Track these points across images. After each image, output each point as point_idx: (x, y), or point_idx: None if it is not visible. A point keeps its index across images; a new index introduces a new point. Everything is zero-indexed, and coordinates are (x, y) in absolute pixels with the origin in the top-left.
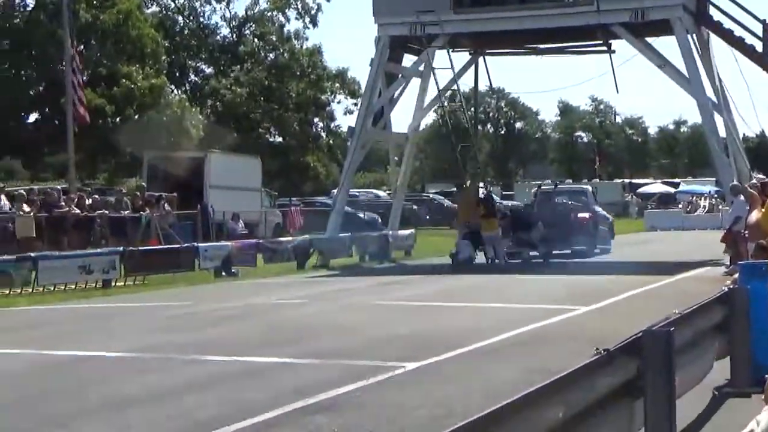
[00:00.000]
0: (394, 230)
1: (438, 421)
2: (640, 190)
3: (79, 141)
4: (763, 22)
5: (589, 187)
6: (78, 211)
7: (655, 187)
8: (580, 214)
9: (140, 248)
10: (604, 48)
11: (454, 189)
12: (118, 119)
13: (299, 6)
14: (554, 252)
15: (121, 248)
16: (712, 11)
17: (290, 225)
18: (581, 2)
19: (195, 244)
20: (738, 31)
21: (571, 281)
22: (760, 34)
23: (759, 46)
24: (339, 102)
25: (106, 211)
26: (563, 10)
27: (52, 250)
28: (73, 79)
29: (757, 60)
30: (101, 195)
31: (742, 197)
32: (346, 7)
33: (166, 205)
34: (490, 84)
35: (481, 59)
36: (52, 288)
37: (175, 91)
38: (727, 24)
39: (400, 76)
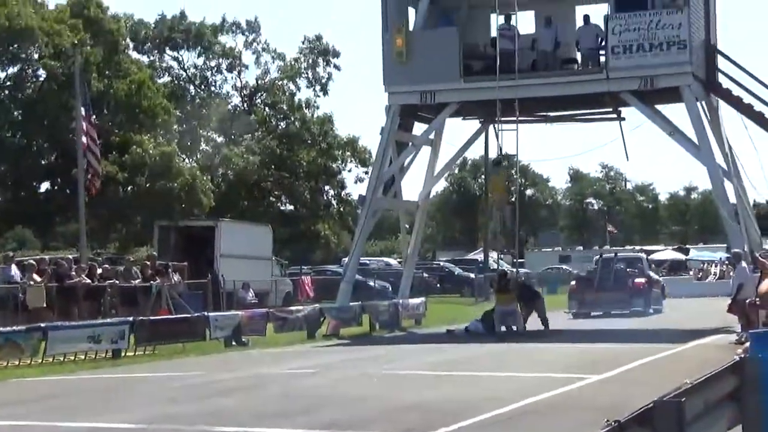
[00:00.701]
0: (404, 298)
1: None
2: (651, 257)
3: (90, 210)
4: None
5: (644, 255)
6: (89, 281)
7: (666, 253)
8: (637, 280)
9: (150, 318)
10: (614, 115)
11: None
12: (129, 188)
13: (310, 75)
14: (613, 312)
15: (132, 318)
16: (721, 78)
17: (301, 293)
18: (590, 70)
19: (205, 313)
20: (747, 98)
21: (583, 349)
22: None
23: None
24: (350, 170)
25: (117, 281)
26: (572, 78)
27: (63, 320)
28: (89, 151)
29: (766, 126)
30: (112, 264)
31: (744, 264)
32: (356, 75)
33: (176, 274)
34: (500, 151)
35: (491, 127)
36: (62, 358)
37: (187, 159)
38: (736, 91)
39: (410, 144)
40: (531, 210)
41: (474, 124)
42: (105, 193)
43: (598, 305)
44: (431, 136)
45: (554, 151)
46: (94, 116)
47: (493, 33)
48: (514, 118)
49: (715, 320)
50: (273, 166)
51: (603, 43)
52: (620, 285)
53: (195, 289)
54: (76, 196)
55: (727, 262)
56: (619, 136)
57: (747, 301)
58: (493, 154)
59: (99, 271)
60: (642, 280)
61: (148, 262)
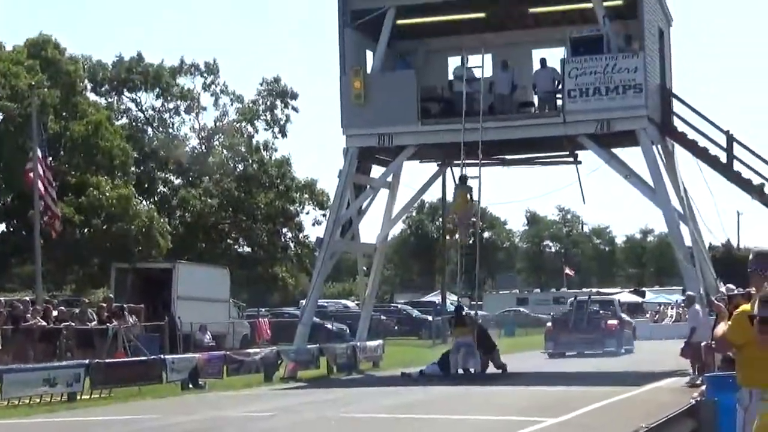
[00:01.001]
0: (362, 341)
1: None
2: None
3: (46, 251)
4: (726, 132)
5: (617, 298)
6: (44, 323)
7: (623, 296)
8: (610, 321)
9: (106, 361)
10: (571, 159)
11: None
12: (86, 230)
13: (268, 117)
14: (587, 352)
15: (87, 361)
16: (677, 122)
17: (258, 336)
18: (547, 114)
19: (162, 356)
20: (702, 142)
21: (541, 392)
22: (724, 145)
23: (723, 157)
24: (308, 213)
25: (73, 323)
26: (529, 122)
27: (18, 363)
28: (45, 193)
29: (721, 170)
30: (68, 306)
31: (697, 307)
32: (314, 118)
33: (132, 316)
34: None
35: (448, 170)
36: (16, 402)
37: (144, 201)
38: (692, 135)
39: (368, 187)
40: (488, 252)
41: (432, 167)
42: (62, 235)
43: (573, 345)
44: (389, 179)
45: (511, 193)
46: (50, 158)
47: (451, 76)
48: (475, 161)
49: (672, 363)
50: (231, 209)
51: (560, 87)
52: (594, 326)
53: (152, 332)
54: (32, 237)
55: (683, 304)
56: (575, 179)
57: (703, 344)
58: (450, 195)
59: (55, 313)
60: (614, 321)
61: (105, 304)
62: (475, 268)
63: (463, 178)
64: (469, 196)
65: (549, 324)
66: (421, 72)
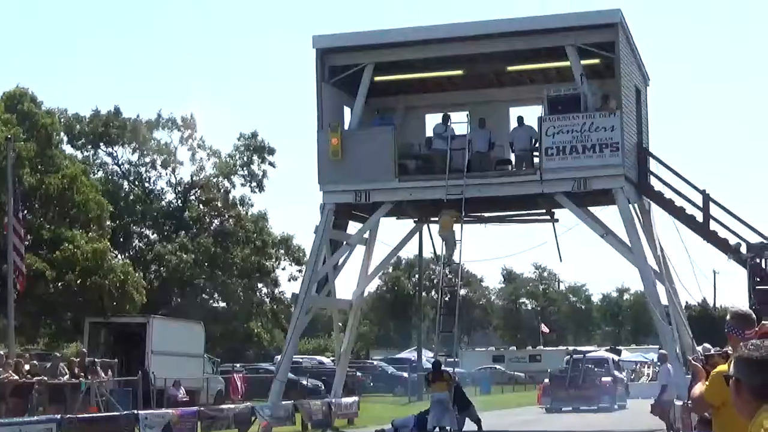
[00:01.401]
0: (337, 397)
1: None
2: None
3: (20, 305)
4: (702, 192)
5: (612, 356)
6: (16, 377)
7: (599, 354)
8: (604, 378)
9: (79, 416)
10: (548, 217)
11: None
12: (60, 283)
13: (245, 172)
14: (582, 408)
15: (59, 416)
16: (654, 181)
17: (233, 392)
18: (524, 172)
19: (135, 411)
20: (679, 201)
21: None
22: (700, 204)
23: (699, 216)
24: (284, 268)
25: (45, 378)
26: (506, 179)
27: None
28: (15, 247)
29: (697, 229)
30: (40, 361)
31: (669, 365)
32: (292, 173)
33: (106, 371)
34: (434, 251)
35: (425, 227)
36: None
37: (119, 256)
38: (668, 194)
39: (344, 243)
40: (465, 309)
41: (408, 224)
42: (35, 289)
43: (569, 401)
44: (365, 235)
45: (488, 251)
46: (24, 211)
47: (429, 133)
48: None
49: (646, 422)
50: (207, 264)
51: (537, 145)
52: (589, 383)
53: (125, 387)
54: (4, 291)
55: (659, 363)
56: (552, 237)
57: (679, 403)
58: (427, 253)
59: (27, 367)
60: (609, 378)
61: (77, 359)
62: (454, 324)
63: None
64: (454, 218)
65: (546, 380)
66: (399, 128)
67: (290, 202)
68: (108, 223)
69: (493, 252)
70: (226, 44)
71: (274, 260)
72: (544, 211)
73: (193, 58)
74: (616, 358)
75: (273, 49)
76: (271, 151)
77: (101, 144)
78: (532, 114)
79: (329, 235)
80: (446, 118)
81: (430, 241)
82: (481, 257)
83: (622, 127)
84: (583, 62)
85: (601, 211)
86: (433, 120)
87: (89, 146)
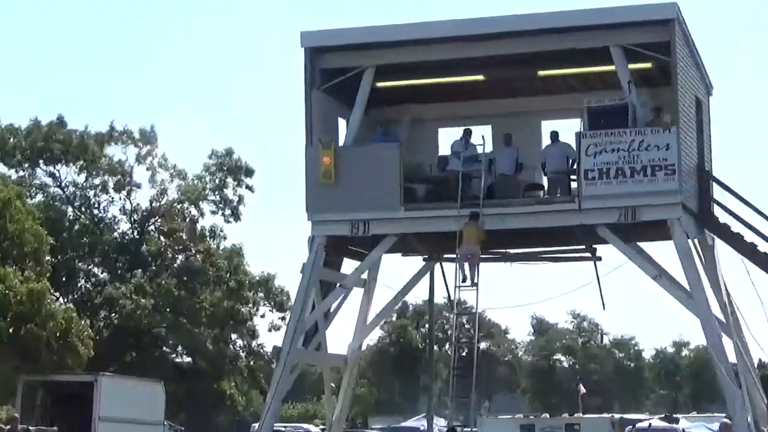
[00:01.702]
0: None
1: None
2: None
3: None
4: None
5: (680, 427)
6: None
7: (652, 423)
8: None
9: None
10: (588, 254)
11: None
12: None
13: (217, 197)
14: None
15: None
16: (718, 212)
17: None
18: (559, 199)
19: None
20: (749, 236)
21: None
22: None
23: None
24: (263, 316)
25: None
26: (537, 208)
27: None
28: None
29: None
30: None
31: None
32: (274, 199)
33: None
34: (449, 296)
35: (437, 266)
36: None
37: (61, 299)
38: (736, 227)
39: (338, 285)
40: (486, 367)
41: (416, 262)
42: None
43: None
44: (364, 276)
45: (514, 295)
46: None
47: (442, 151)
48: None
49: None
50: (169, 310)
51: (574, 167)
52: None
53: None
54: None
55: None
56: (593, 278)
57: None
58: (439, 298)
59: None
60: None
61: (8, 426)
62: (472, 386)
63: (474, 215)
64: (480, 232)
65: None
66: (406, 146)
67: (272, 235)
68: (48, 258)
69: (520, 297)
70: (195, 42)
71: (251, 305)
72: (583, 247)
73: (156, 58)
74: (679, 428)
75: (253, 49)
76: (249, 172)
77: (41, 162)
78: (568, 129)
79: (319, 276)
80: (467, 134)
81: (443, 283)
82: (505, 303)
83: (679, 146)
84: (631, 66)
85: (653, 248)
86: (447, 135)
87: (26, 164)
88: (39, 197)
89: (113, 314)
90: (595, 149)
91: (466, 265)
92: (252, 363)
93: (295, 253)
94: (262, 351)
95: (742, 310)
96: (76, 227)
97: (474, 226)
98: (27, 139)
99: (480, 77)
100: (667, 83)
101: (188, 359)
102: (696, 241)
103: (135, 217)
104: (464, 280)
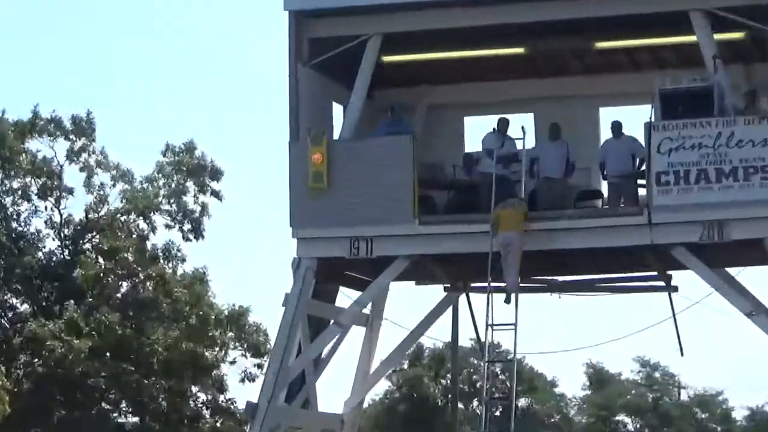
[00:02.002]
0: None
1: None
2: None
3: None
4: None
5: None
6: None
7: None
8: None
9: None
10: (661, 283)
11: None
12: None
13: (174, 206)
14: None
15: None
16: None
17: None
18: (623, 210)
19: None
20: None
21: None
22: None
23: None
24: (233, 362)
25: None
26: (594, 223)
27: None
28: None
29: None
30: None
31: None
32: (248, 210)
33: None
34: (477, 337)
35: (463, 298)
36: None
37: None
38: None
39: (332, 322)
40: (527, 429)
41: (435, 292)
42: None
43: None
44: (366, 311)
45: (563, 337)
46: None
47: (470, 147)
48: (503, 286)
49: None
50: (110, 354)
51: (643, 168)
52: None
53: None
54: None
55: None
56: (668, 315)
57: None
58: (465, 340)
59: None
60: None
61: None
62: None
63: (518, 199)
64: (523, 215)
65: None
66: (422, 139)
67: (246, 256)
68: None
69: (571, 339)
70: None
71: (218, 348)
72: (654, 274)
73: (95, 24)
74: None
75: (221, 11)
76: (217, 175)
77: None
78: (635, 118)
79: (307, 310)
80: (503, 125)
81: (470, 320)
82: (552, 347)
83: None
84: (717, 37)
85: (747, 275)
86: (475, 126)
87: None
88: None
89: (37, 359)
90: (670, 145)
91: (506, 269)
92: (219, 424)
93: (276, 280)
94: (232, 408)
95: None
96: None
97: (513, 205)
98: None
99: (519, 50)
100: (764, 59)
101: (135, 419)
102: None
103: (66, 232)
104: (506, 299)
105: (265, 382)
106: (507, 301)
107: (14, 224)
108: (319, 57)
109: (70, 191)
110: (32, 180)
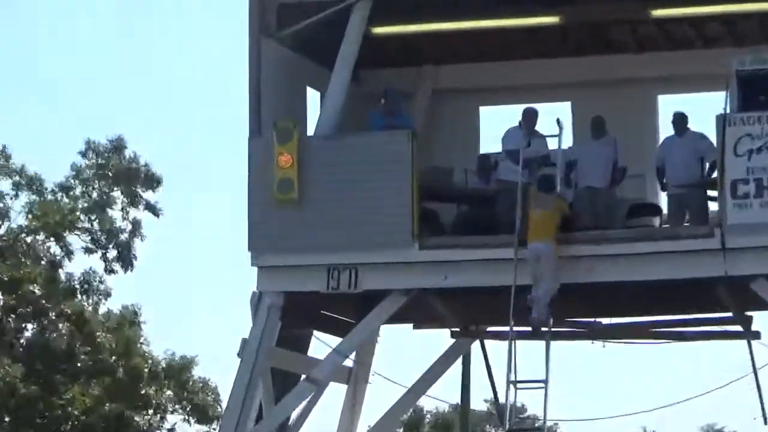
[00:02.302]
0: None
1: None
2: None
3: None
4: None
5: None
6: None
7: None
8: None
9: None
10: (738, 328)
11: None
12: None
13: (95, 224)
14: None
15: None
16: None
17: None
18: (688, 232)
19: None
20: None
21: None
22: None
23: None
24: (172, 429)
25: None
26: (649, 248)
27: None
28: None
29: None
30: None
31: None
32: (194, 230)
33: None
34: (495, 398)
35: (476, 345)
36: None
37: None
38: None
39: (303, 378)
40: None
41: (441, 338)
42: None
43: None
44: (348, 363)
45: (609, 398)
46: None
47: (488, 147)
48: (527, 330)
49: None
50: (11, 417)
51: (714, 174)
52: None
53: None
54: None
55: None
56: (747, 369)
57: None
58: (479, 401)
59: None
60: None
61: None
62: None
63: (548, 183)
64: (559, 213)
65: None
66: (424, 136)
67: (190, 290)
68: None
69: (618, 400)
70: None
71: (152, 412)
72: (729, 314)
73: None
74: None
75: None
76: (153, 182)
77: None
78: (703, 109)
79: (271, 361)
80: (530, 118)
81: (485, 375)
82: (592, 411)
83: None
84: None
85: None
86: (494, 118)
87: None
88: None
89: None
90: (750, 144)
91: (535, 284)
92: None
93: (231, 322)
94: None
95: None
96: None
97: (549, 203)
98: None
99: (553, 19)
100: None
101: None
102: None
103: None
104: (536, 327)
105: None
106: (535, 333)
107: None
108: (290, 27)
109: None
110: None
